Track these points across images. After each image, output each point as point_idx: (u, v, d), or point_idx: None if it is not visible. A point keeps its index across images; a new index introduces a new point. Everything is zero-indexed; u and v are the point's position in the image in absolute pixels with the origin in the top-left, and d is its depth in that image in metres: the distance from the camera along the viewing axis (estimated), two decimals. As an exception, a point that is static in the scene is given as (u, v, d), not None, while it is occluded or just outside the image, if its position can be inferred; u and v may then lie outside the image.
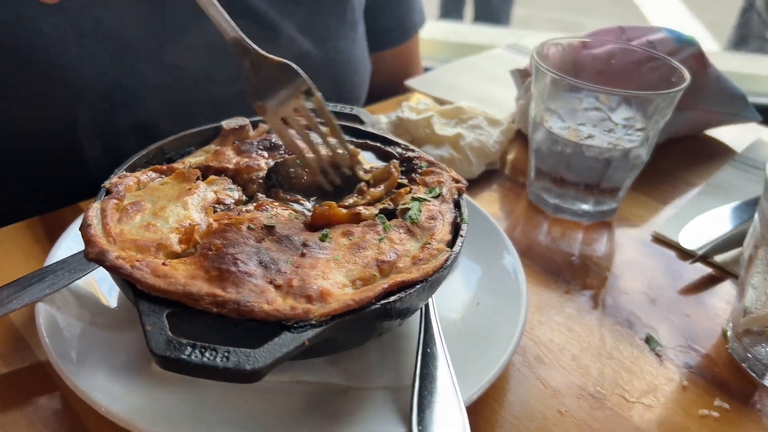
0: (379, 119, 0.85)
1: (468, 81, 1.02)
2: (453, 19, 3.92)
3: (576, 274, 0.67)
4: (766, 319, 0.54)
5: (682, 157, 0.89)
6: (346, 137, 0.61)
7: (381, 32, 1.06)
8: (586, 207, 0.75)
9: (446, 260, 0.47)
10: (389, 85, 1.07)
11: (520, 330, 0.53)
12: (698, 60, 0.86)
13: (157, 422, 0.44)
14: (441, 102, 0.92)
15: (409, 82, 1.01)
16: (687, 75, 0.69)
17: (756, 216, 0.54)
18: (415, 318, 0.52)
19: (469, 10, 3.96)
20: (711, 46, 3.69)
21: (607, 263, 0.70)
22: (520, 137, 0.90)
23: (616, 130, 0.70)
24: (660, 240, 0.73)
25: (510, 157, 0.88)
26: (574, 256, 0.70)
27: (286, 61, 0.56)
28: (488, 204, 0.78)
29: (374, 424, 0.45)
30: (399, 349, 0.52)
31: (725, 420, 0.52)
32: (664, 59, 0.75)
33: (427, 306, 0.53)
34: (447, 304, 0.57)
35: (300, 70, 0.56)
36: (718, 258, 0.69)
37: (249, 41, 0.55)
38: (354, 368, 0.50)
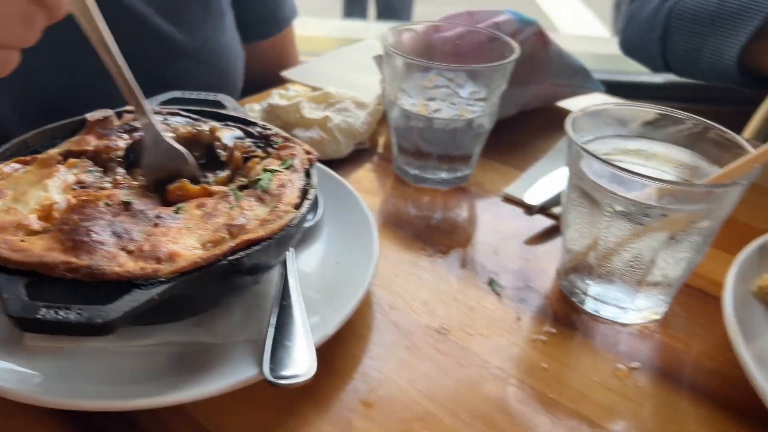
0: (252, 107, 0.90)
1: (341, 70, 1.09)
2: (357, 17, 4.00)
3: (433, 234, 0.75)
4: (582, 256, 0.63)
5: (533, 127, 0.99)
6: (209, 120, 0.66)
7: (252, 24, 1.11)
8: (443, 175, 0.83)
9: (291, 219, 0.53)
10: (267, 76, 1.12)
11: (369, 280, 0.59)
12: (539, 38, 0.95)
13: (31, 387, 0.48)
14: (313, 90, 0.97)
15: (285, 73, 1.06)
16: (517, 49, 0.78)
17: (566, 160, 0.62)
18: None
19: (372, 8, 4.05)
20: (602, 32, 3.96)
21: (461, 222, 0.78)
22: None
23: (460, 103, 0.78)
24: (509, 199, 0.82)
25: (381, 137, 0.95)
26: (433, 219, 0.77)
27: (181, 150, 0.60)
28: (358, 180, 0.85)
29: (233, 370, 0.50)
30: (262, 308, 0.57)
31: (552, 342, 0.60)
32: (502, 38, 0.83)
33: (285, 266, 0.59)
34: (309, 264, 0.63)
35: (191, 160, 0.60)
36: (557, 210, 0.78)
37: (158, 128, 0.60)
38: (219, 327, 0.55)
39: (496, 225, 0.77)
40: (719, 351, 0.60)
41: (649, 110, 0.65)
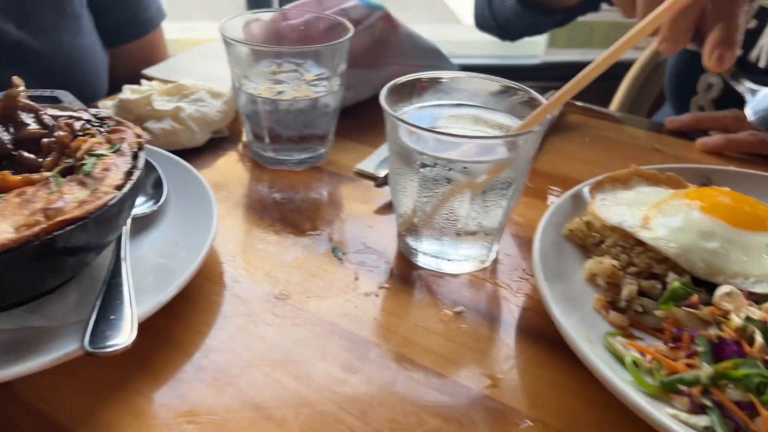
0: (105, 104, 0.90)
1: (203, 64, 1.10)
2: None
3: (285, 212, 0.78)
4: (410, 218, 0.67)
5: (391, 106, 1.03)
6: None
7: (116, 28, 1.11)
8: (298, 156, 0.86)
9: (111, 199, 0.55)
10: (136, 80, 1.12)
11: (203, 256, 0.61)
12: (386, 21, 1.00)
13: None
14: (167, 83, 0.98)
15: (146, 71, 1.07)
16: (350, 29, 0.82)
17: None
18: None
19: (276, 4, 4.03)
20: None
21: (314, 199, 0.81)
22: (249, 107, 0.99)
23: (302, 84, 0.82)
24: (360, 174, 0.86)
25: (241, 124, 0.97)
26: (286, 198, 0.80)
27: None
28: (217, 167, 0.87)
29: (58, 347, 0.51)
30: (96, 290, 0.58)
31: (385, 297, 0.64)
32: (344, 22, 0.87)
33: (118, 248, 0.60)
34: (150, 247, 0.65)
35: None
36: (402, 179, 0.82)
37: None
38: (53, 311, 0.56)
39: (348, 198, 0.81)
40: (537, 291, 0.65)
41: (491, 82, 0.69)
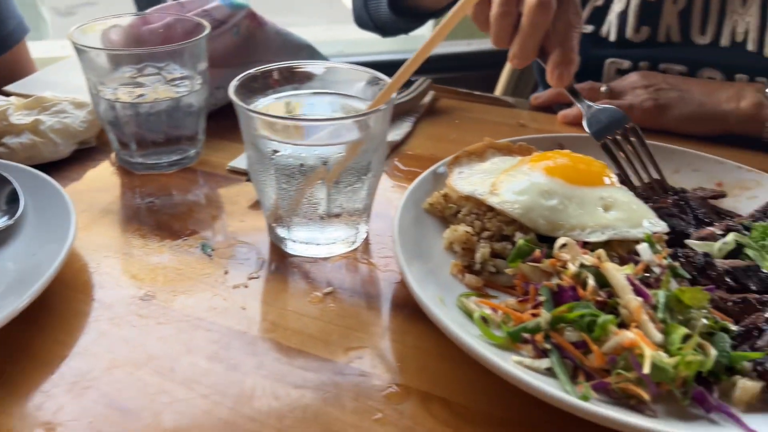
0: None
1: (76, 76, 1.06)
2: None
3: (154, 215, 0.77)
4: (276, 208, 0.68)
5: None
6: None
7: None
8: (167, 158, 0.85)
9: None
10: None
11: (56, 266, 0.59)
12: (252, 19, 1.00)
13: None
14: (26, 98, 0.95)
15: (7, 87, 1.03)
16: (207, 27, 0.82)
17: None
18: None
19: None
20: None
21: (185, 200, 0.80)
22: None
23: (162, 86, 0.81)
24: (234, 171, 0.86)
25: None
26: (155, 202, 0.79)
27: None
28: (84, 179, 0.85)
29: None
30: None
31: (254, 287, 0.65)
32: (202, 22, 0.86)
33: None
34: (7, 260, 0.63)
35: None
36: (275, 173, 0.83)
37: None
38: None
39: (221, 196, 0.81)
40: (402, 264, 0.68)
41: (362, 72, 0.71)
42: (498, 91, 1.79)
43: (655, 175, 0.77)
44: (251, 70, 0.68)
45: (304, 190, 0.65)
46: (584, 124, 0.82)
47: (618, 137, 0.79)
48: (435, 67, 2.37)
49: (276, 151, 0.63)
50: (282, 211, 0.67)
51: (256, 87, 0.70)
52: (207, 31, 0.82)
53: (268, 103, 0.71)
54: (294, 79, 0.72)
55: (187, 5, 0.99)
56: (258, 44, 1.02)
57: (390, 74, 0.66)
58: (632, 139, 0.79)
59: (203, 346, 0.57)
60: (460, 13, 0.65)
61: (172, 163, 0.86)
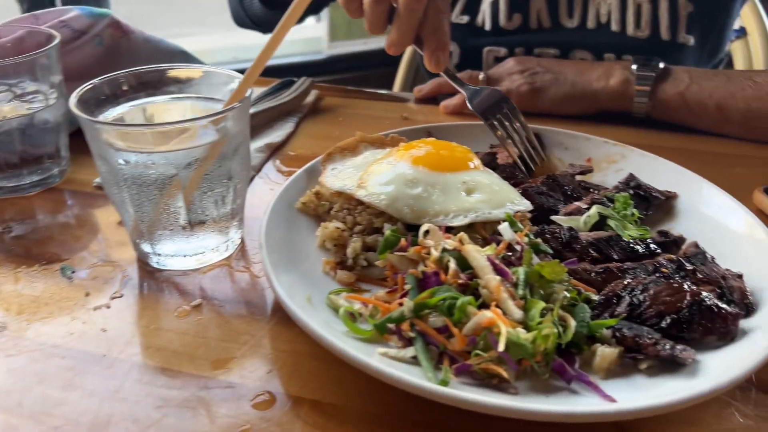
0: None
1: None
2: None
3: (10, 242, 0.71)
4: (136, 223, 0.64)
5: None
6: None
7: None
8: (27, 179, 0.80)
9: None
10: None
11: None
12: (116, 28, 0.96)
13: None
14: None
15: None
16: (57, 37, 0.78)
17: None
18: None
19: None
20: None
21: (47, 222, 0.75)
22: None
23: (9, 103, 0.76)
24: (101, 188, 0.81)
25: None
26: (12, 227, 0.74)
27: None
28: (-66, 208, 0.78)
29: None
30: None
31: (118, 307, 0.61)
32: (55, 35, 0.81)
33: None
34: None
35: None
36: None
37: None
38: None
39: (88, 215, 0.77)
40: (277, 267, 0.66)
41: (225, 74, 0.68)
42: (396, 87, 1.80)
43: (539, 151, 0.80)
44: (95, 80, 0.64)
45: (161, 200, 0.62)
46: (468, 105, 0.82)
47: (501, 117, 0.81)
48: (333, 68, 2.37)
49: (126, 162, 0.59)
50: (143, 226, 0.64)
51: (105, 97, 0.66)
52: (57, 41, 0.77)
53: (123, 111, 0.67)
54: (150, 85, 0.69)
55: (41, 17, 0.93)
56: (124, 54, 0.97)
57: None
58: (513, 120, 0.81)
59: (58, 375, 0.53)
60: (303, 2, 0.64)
61: (35, 184, 0.80)
